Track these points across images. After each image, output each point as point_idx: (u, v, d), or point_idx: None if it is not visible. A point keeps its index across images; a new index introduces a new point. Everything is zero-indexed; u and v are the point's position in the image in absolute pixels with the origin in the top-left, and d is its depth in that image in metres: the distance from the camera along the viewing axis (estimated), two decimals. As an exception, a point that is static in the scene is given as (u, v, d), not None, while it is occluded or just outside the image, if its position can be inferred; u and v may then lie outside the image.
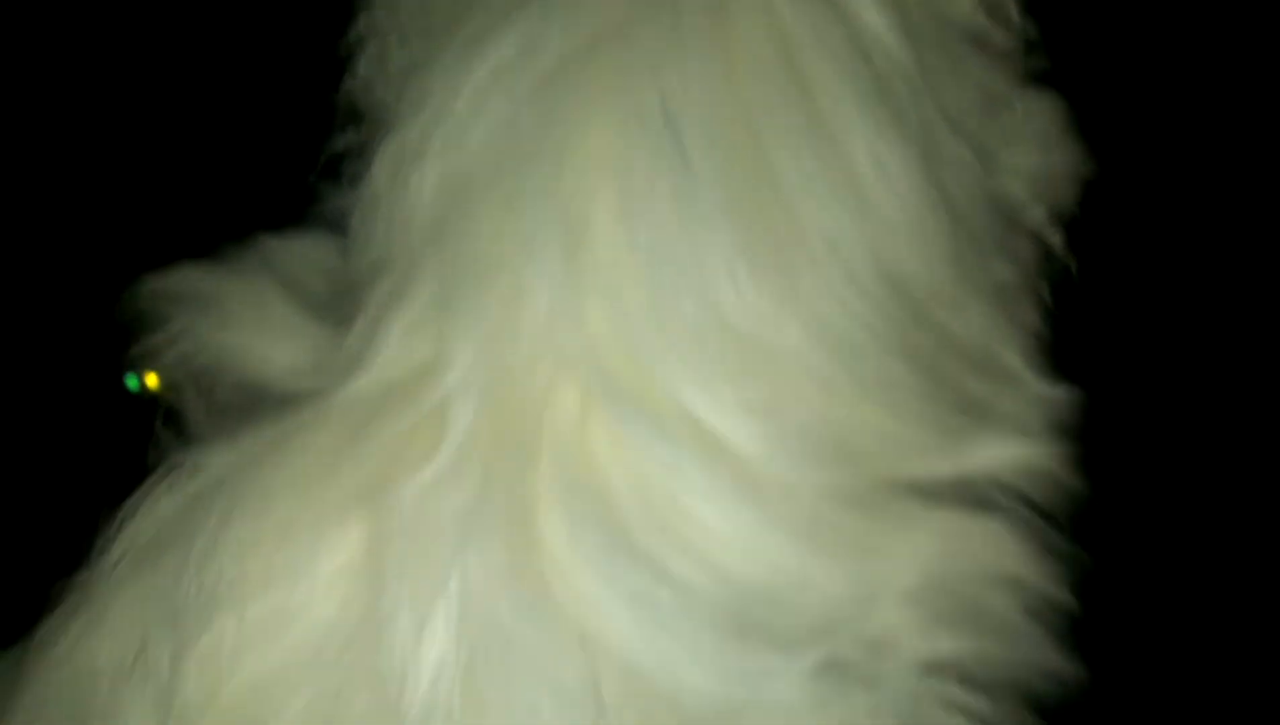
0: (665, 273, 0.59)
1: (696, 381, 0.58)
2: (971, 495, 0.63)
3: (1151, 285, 1.06)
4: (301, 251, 0.76)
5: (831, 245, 0.61)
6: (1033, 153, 0.80)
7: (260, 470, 0.61)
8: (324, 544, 0.58)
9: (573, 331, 0.58)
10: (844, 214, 0.61)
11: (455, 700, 0.54)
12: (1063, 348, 0.75)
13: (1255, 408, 1.13)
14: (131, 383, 0.80)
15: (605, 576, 0.56)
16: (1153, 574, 1.00)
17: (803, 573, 0.58)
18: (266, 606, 0.57)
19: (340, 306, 0.69)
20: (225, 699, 0.57)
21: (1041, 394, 0.68)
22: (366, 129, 0.80)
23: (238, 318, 0.70)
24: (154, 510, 0.64)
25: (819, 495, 0.59)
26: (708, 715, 0.56)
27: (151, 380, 0.78)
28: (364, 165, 0.78)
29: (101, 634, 0.63)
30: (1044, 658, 0.62)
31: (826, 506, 0.59)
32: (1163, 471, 1.05)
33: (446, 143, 0.64)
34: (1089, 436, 0.67)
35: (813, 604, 0.58)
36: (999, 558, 0.61)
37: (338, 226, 0.79)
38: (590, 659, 0.55)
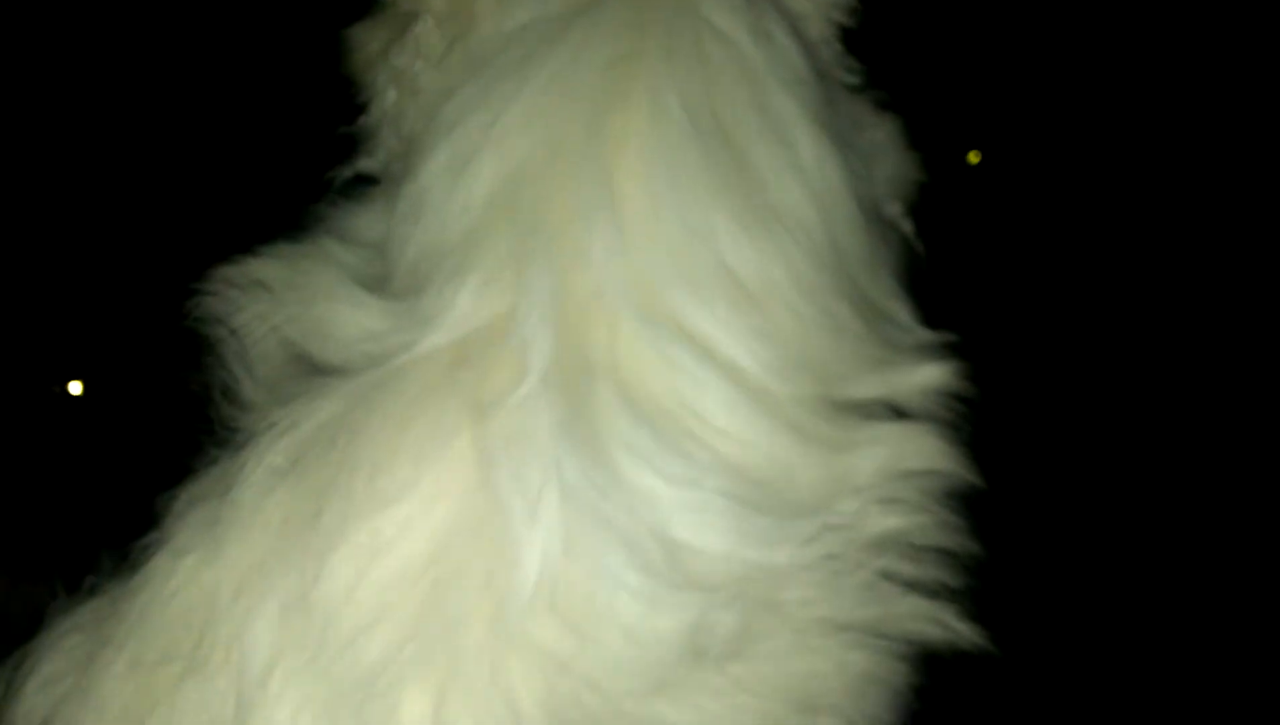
0: (684, 234, 0.79)
1: (710, 315, 0.78)
2: (900, 406, 0.85)
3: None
4: (346, 246, 0.89)
5: (793, 215, 0.82)
6: (888, 163, 1.04)
7: (372, 406, 0.76)
8: (440, 458, 0.73)
9: (619, 281, 0.77)
10: (799, 191, 0.83)
11: (560, 567, 0.71)
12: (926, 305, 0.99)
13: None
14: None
15: (654, 465, 0.74)
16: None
17: (789, 463, 0.78)
18: (398, 512, 0.72)
19: (387, 286, 0.84)
20: (362, 594, 0.72)
21: (925, 337, 0.91)
22: (387, 156, 0.95)
23: (313, 295, 0.84)
24: (271, 450, 0.76)
25: (798, 404, 0.79)
26: (729, 577, 0.75)
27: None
28: (381, 184, 0.94)
29: (225, 559, 0.75)
30: (958, 529, 0.85)
31: (803, 413, 0.80)
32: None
33: (502, 142, 0.81)
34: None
35: (798, 488, 0.78)
36: (924, 454, 0.84)
37: (348, 236, 0.93)
38: (651, 528, 0.73)
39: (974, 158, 3.10)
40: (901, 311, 0.91)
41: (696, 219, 0.79)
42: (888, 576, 0.81)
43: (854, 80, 1.05)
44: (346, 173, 0.98)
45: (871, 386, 0.84)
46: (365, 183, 0.97)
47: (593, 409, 0.74)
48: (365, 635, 0.71)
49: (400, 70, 0.95)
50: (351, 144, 1.00)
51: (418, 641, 0.71)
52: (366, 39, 1.00)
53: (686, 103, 0.81)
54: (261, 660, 0.72)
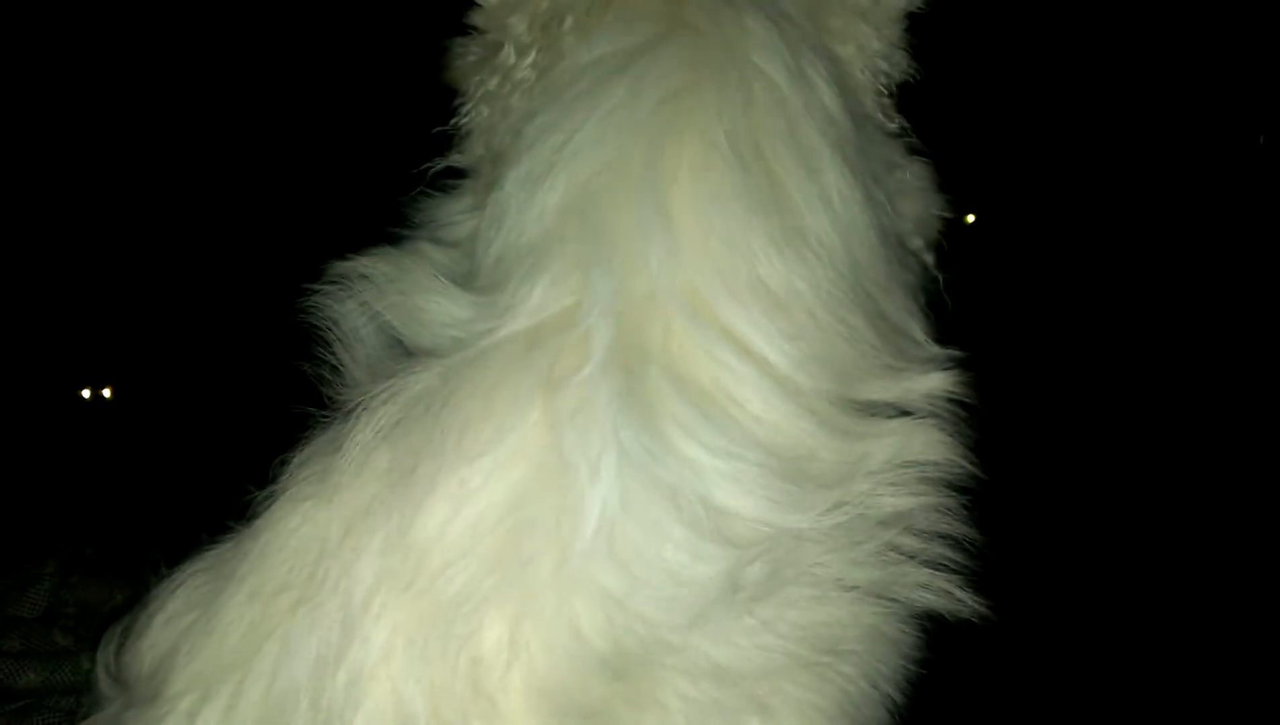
0: (726, 249, 0.93)
1: (747, 318, 0.92)
2: (909, 408, 0.98)
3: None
4: (439, 247, 1.04)
5: (819, 238, 0.96)
6: (915, 201, 1.18)
7: (461, 380, 0.90)
8: (517, 424, 0.87)
9: (670, 285, 0.91)
10: (826, 219, 0.97)
11: (617, 519, 0.85)
12: (940, 327, 1.12)
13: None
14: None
15: (698, 437, 0.88)
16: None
17: (811, 445, 0.92)
18: (482, 466, 0.86)
19: (474, 284, 0.99)
20: (451, 535, 0.85)
21: (934, 352, 1.04)
22: (475, 154, 1.10)
23: (411, 287, 0.98)
24: (376, 415, 0.91)
25: (820, 397, 0.93)
26: (759, 535, 0.88)
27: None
28: (469, 179, 1.09)
29: (336, 504, 0.89)
30: (958, 512, 0.97)
31: (825, 405, 0.93)
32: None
33: (573, 161, 0.96)
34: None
35: (819, 467, 0.92)
36: (929, 446, 0.96)
37: (434, 226, 1.08)
38: (694, 490, 0.87)
39: (969, 219, 3.29)
40: (914, 328, 1.04)
41: (737, 237, 0.93)
42: (894, 548, 0.93)
43: (890, 125, 1.18)
44: (440, 165, 1.13)
45: (883, 390, 0.97)
46: (456, 176, 1.12)
47: (646, 388, 0.88)
48: (452, 569, 0.84)
49: (491, 91, 1.10)
50: (446, 141, 1.15)
51: (497, 576, 0.84)
52: (463, 54, 1.14)
53: (731, 136, 0.95)
54: (364, 589, 0.85)
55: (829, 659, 0.91)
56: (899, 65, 1.18)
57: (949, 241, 1.17)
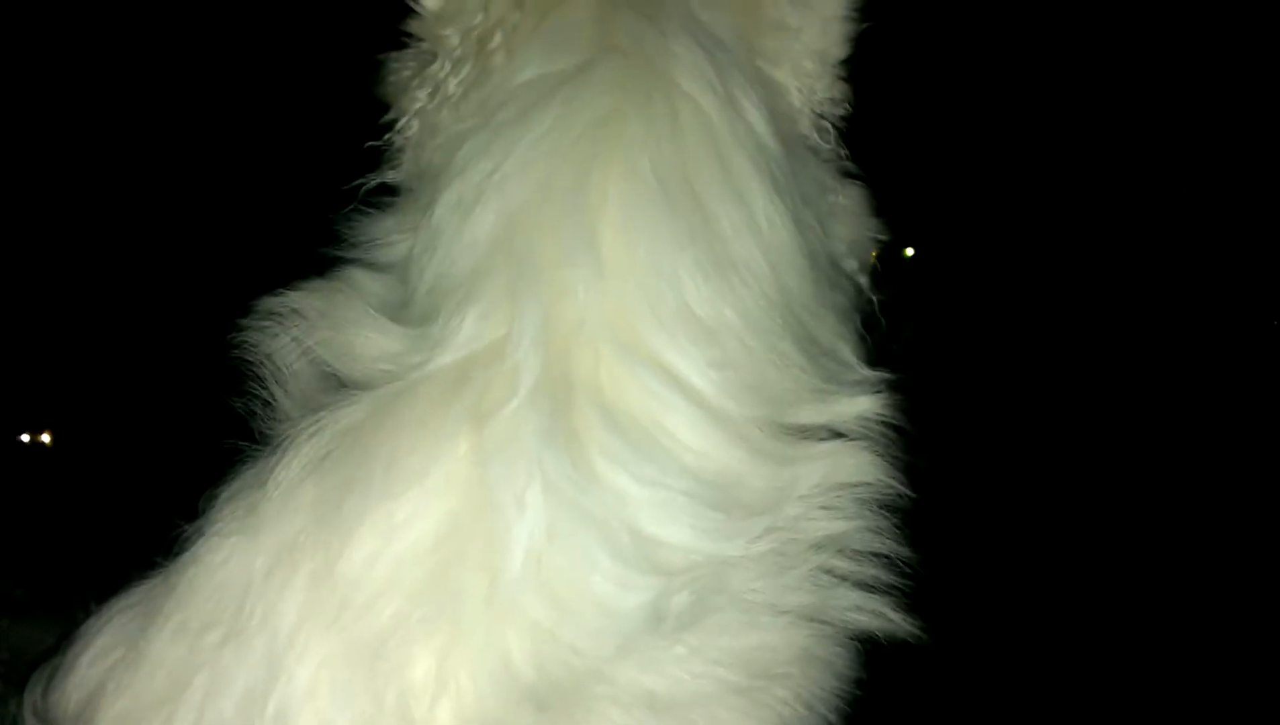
0: (653, 277, 0.93)
1: (674, 346, 0.92)
2: (839, 431, 0.99)
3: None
4: (372, 275, 1.04)
5: (747, 264, 0.96)
6: (848, 225, 1.18)
7: (389, 413, 0.90)
8: (444, 457, 0.87)
9: (598, 314, 0.91)
10: (754, 245, 0.97)
11: (544, 549, 0.85)
12: (874, 348, 1.13)
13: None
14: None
15: (626, 467, 0.88)
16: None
17: (741, 473, 0.92)
18: (409, 499, 0.86)
19: (407, 313, 0.99)
20: (378, 569, 0.85)
21: (865, 375, 1.05)
22: (409, 174, 1.10)
23: (342, 322, 0.98)
24: (303, 449, 0.90)
25: (749, 423, 0.93)
26: (687, 564, 0.88)
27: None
28: (402, 197, 1.08)
29: (262, 539, 0.89)
30: (889, 533, 0.98)
31: (755, 431, 0.93)
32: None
33: (502, 188, 0.96)
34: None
35: (749, 493, 0.92)
36: (859, 468, 0.97)
37: (368, 246, 1.08)
38: (622, 520, 0.87)
39: (907, 252, 3.35)
40: (845, 351, 1.05)
41: (664, 264, 0.93)
42: (827, 570, 0.94)
43: (824, 148, 1.18)
44: (372, 182, 1.12)
45: (813, 414, 0.98)
46: (389, 192, 1.12)
47: (573, 419, 0.88)
48: (380, 602, 0.84)
49: (423, 106, 1.09)
50: (377, 156, 1.14)
51: (424, 609, 0.84)
52: (397, 69, 1.14)
53: (658, 163, 0.96)
54: (289, 625, 0.85)
55: (762, 683, 0.91)
56: (833, 89, 1.18)
57: (890, 271, 1.18)
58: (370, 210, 1.11)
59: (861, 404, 1.00)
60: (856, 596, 0.95)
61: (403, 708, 0.83)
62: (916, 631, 0.96)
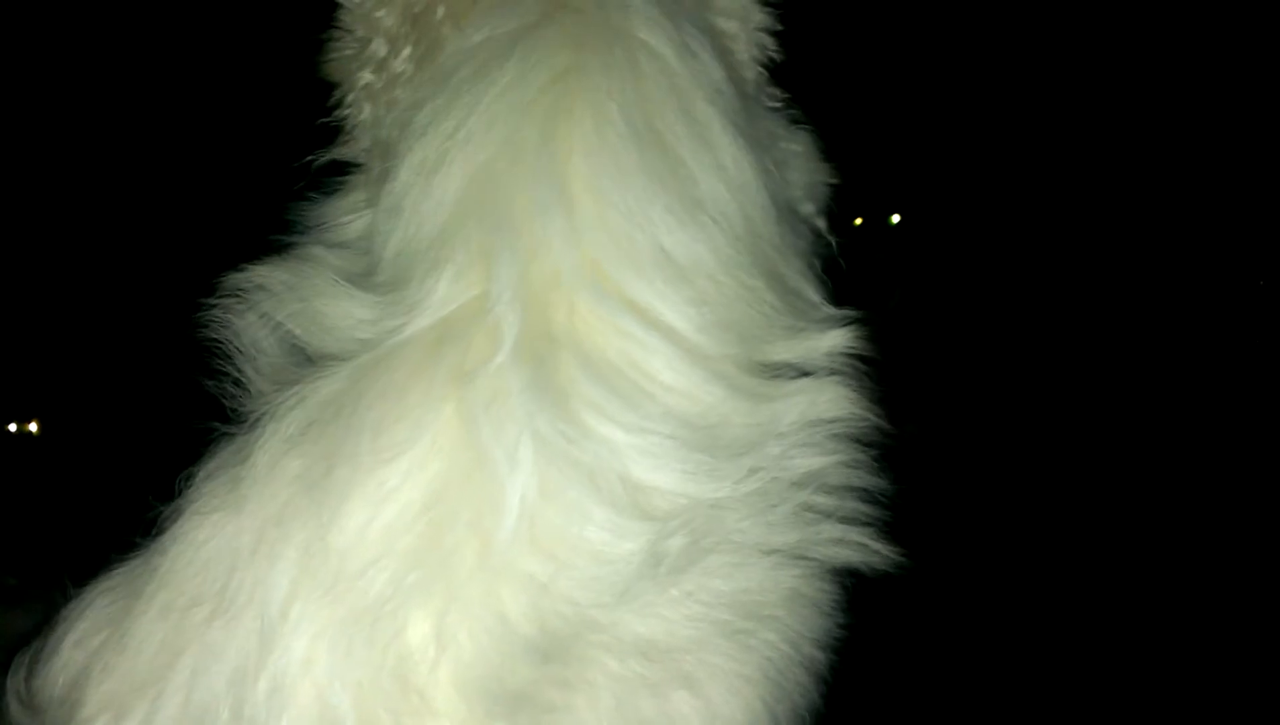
0: (626, 223, 0.93)
1: (651, 288, 0.92)
2: (812, 368, 1.00)
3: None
4: (331, 250, 1.03)
5: (716, 204, 0.97)
6: (801, 170, 1.20)
7: (371, 380, 0.89)
8: (432, 419, 0.87)
9: (574, 264, 0.91)
10: (721, 186, 0.98)
11: (538, 505, 0.85)
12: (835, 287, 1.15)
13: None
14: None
15: (611, 416, 0.89)
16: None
17: (723, 412, 0.93)
18: (399, 465, 0.86)
19: (373, 281, 0.98)
20: (371, 536, 0.84)
21: (831, 312, 1.06)
22: (361, 147, 1.08)
23: (311, 293, 0.97)
24: (284, 421, 0.89)
25: (728, 361, 0.94)
26: (678, 507, 0.89)
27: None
28: (357, 174, 1.07)
29: (247, 513, 0.88)
30: (868, 466, 0.99)
31: (732, 368, 0.94)
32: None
33: (467, 146, 0.95)
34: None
35: (732, 433, 0.93)
36: (835, 403, 0.98)
37: (323, 228, 1.07)
38: (612, 468, 0.87)
39: (895, 219, 3.40)
40: (809, 290, 1.06)
41: (636, 210, 0.94)
42: (809, 507, 0.95)
43: (773, 98, 1.20)
44: (324, 159, 1.11)
45: (786, 350, 0.99)
46: (339, 172, 1.11)
47: (557, 372, 0.89)
48: (374, 568, 0.84)
49: (370, 85, 1.08)
50: (327, 135, 1.13)
51: (420, 572, 0.84)
52: (338, 49, 1.13)
53: (624, 111, 0.96)
54: (281, 597, 0.84)
55: (752, 625, 0.92)
56: (771, 35, 1.19)
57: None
58: (320, 193, 1.10)
59: (831, 339, 1.02)
60: (839, 530, 0.96)
61: (403, 672, 0.84)
62: (898, 562, 0.98)
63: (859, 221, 3.37)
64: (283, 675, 0.83)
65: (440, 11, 1.06)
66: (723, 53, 1.09)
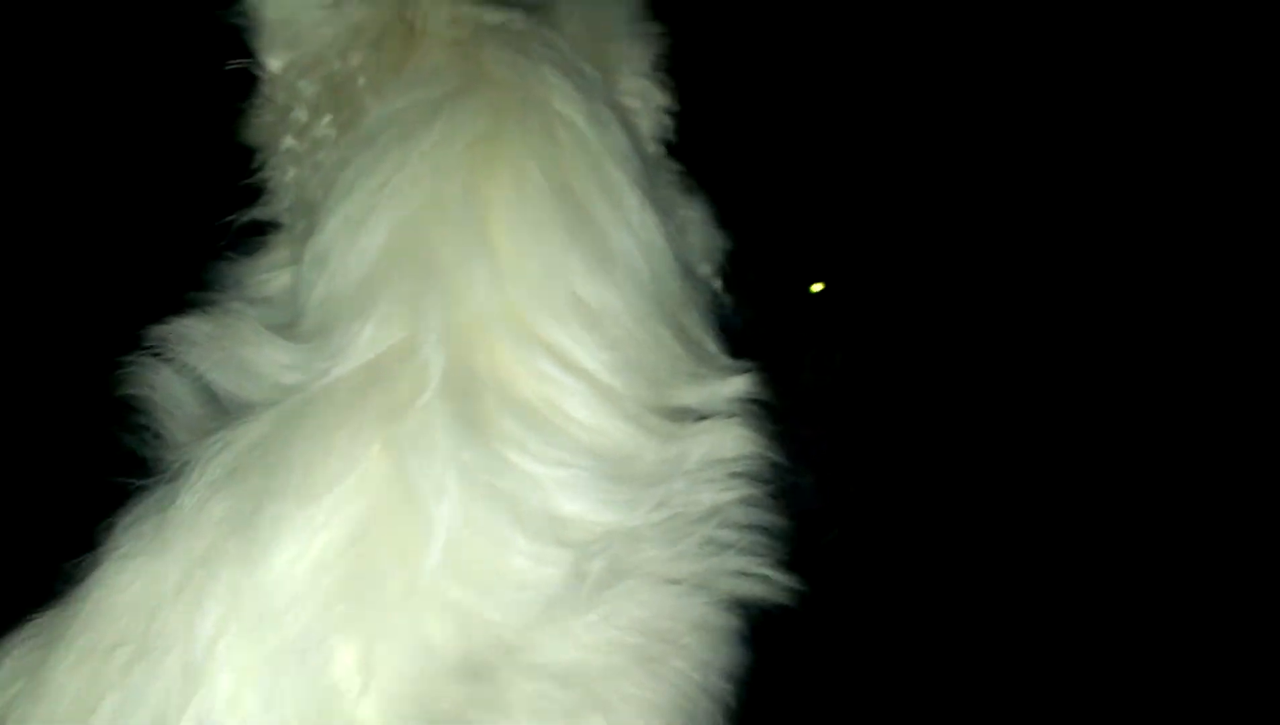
0: (544, 273, 1.00)
1: (567, 333, 0.99)
2: (715, 412, 1.07)
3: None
4: (252, 305, 1.07)
5: (626, 258, 1.05)
6: (699, 234, 1.28)
7: (298, 421, 0.93)
8: (360, 456, 0.91)
9: (495, 311, 0.97)
10: (630, 241, 1.06)
11: (463, 533, 0.89)
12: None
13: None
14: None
15: (531, 451, 0.94)
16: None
17: (634, 448, 0.99)
18: (328, 501, 0.89)
19: (296, 331, 1.02)
20: (298, 572, 0.87)
21: (730, 363, 1.14)
22: (282, 208, 1.13)
23: (235, 342, 1.00)
24: (209, 466, 0.92)
25: (638, 402, 1.01)
26: (596, 535, 0.94)
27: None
28: (277, 233, 1.12)
29: (171, 555, 0.89)
30: (766, 503, 1.06)
31: (643, 409, 1.01)
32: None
33: (392, 201, 1.01)
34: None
35: (643, 468, 0.99)
36: (738, 442, 1.05)
37: (242, 287, 1.11)
38: (533, 500, 0.92)
39: (816, 287, 3.52)
40: (709, 342, 1.14)
41: (553, 261, 1.01)
42: (713, 540, 1.01)
43: (670, 170, 1.30)
44: (244, 219, 1.16)
45: (691, 394, 1.07)
46: (261, 230, 1.15)
47: (480, 410, 0.94)
48: (301, 603, 0.86)
49: (292, 149, 1.14)
50: (248, 195, 1.17)
51: (346, 604, 0.87)
52: (258, 115, 1.18)
53: (542, 170, 1.04)
54: (207, 635, 0.85)
55: (663, 652, 0.97)
56: (670, 114, 1.29)
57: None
58: (239, 253, 1.14)
59: (732, 385, 1.10)
60: (741, 562, 1.02)
61: (330, 702, 0.86)
62: (799, 589, 1.04)
63: (819, 287, 3.47)
64: (208, 714, 0.84)
65: (361, 81, 1.12)
66: (629, 126, 1.18)
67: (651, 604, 0.96)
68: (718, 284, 1.29)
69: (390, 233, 1.00)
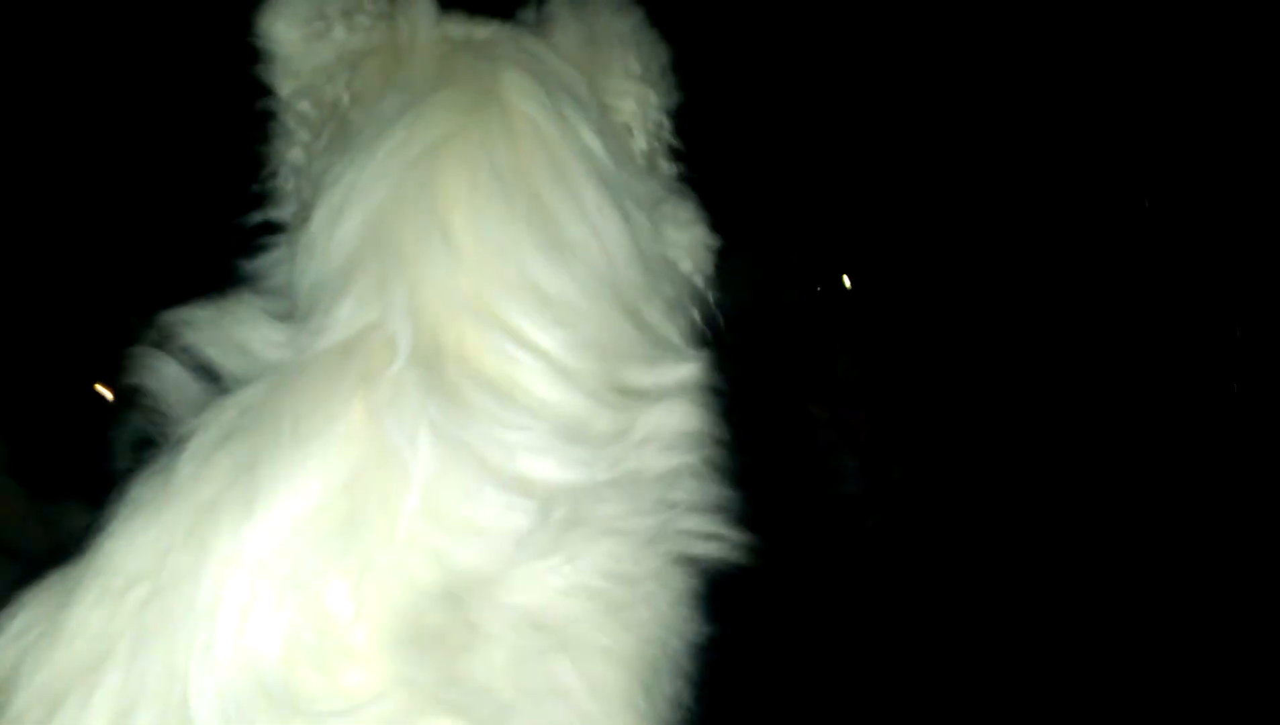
0: (502, 258, 1.10)
1: (523, 314, 1.09)
2: (666, 394, 1.15)
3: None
4: (259, 296, 1.18)
5: (584, 249, 1.14)
6: (683, 231, 1.35)
7: (286, 387, 1.04)
8: (340, 415, 1.01)
9: (457, 293, 1.08)
10: (584, 229, 1.15)
11: (437, 483, 1.00)
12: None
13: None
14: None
15: (495, 415, 1.04)
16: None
17: (587, 416, 1.09)
18: (316, 454, 0.99)
19: (292, 317, 1.13)
20: (296, 515, 0.97)
21: (685, 351, 1.22)
22: (289, 211, 1.26)
23: (232, 324, 1.12)
24: (211, 427, 1.03)
25: (593, 378, 1.10)
26: (559, 488, 1.04)
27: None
28: (285, 233, 1.24)
29: (180, 502, 0.99)
30: (715, 470, 1.13)
31: (595, 383, 1.10)
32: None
33: (362, 199, 1.13)
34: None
35: (596, 434, 1.08)
36: (688, 418, 1.13)
37: (257, 277, 1.23)
38: (499, 454, 1.02)
39: (846, 282, 3.57)
40: (672, 333, 1.23)
41: (510, 247, 1.11)
42: (665, 501, 1.11)
43: (665, 169, 1.38)
44: (258, 219, 1.29)
45: (642, 375, 1.15)
46: (274, 228, 1.28)
47: (446, 378, 1.04)
48: (297, 544, 0.97)
49: (295, 161, 1.27)
50: (262, 198, 1.32)
51: (337, 542, 0.97)
52: (271, 131, 1.31)
53: (496, 164, 1.14)
54: (214, 576, 0.95)
55: (630, 600, 1.06)
56: (669, 116, 1.38)
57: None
58: (250, 253, 1.26)
59: (684, 371, 1.18)
60: (692, 521, 1.12)
61: (326, 629, 0.96)
62: (749, 544, 1.13)
63: (819, 289, 3.54)
64: (212, 644, 0.94)
65: (346, 99, 1.25)
66: (603, 124, 1.27)
67: (613, 552, 1.05)
68: (700, 281, 1.36)
69: (362, 225, 1.12)
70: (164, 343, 1.13)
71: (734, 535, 1.12)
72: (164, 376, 1.13)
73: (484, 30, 1.29)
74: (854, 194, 3.57)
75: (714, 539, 1.12)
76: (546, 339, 1.09)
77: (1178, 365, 3.59)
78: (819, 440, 3.54)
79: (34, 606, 1.01)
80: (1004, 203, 3.72)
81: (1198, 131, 3.62)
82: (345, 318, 1.08)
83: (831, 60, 3.42)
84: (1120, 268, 3.73)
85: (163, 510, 1.00)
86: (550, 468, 1.04)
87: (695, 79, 1.43)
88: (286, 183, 1.29)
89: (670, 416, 1.13)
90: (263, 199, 1.31)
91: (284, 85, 1.29)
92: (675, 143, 1.39)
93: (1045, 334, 3.69)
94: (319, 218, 1.15)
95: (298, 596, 0.96)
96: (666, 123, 1.37)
